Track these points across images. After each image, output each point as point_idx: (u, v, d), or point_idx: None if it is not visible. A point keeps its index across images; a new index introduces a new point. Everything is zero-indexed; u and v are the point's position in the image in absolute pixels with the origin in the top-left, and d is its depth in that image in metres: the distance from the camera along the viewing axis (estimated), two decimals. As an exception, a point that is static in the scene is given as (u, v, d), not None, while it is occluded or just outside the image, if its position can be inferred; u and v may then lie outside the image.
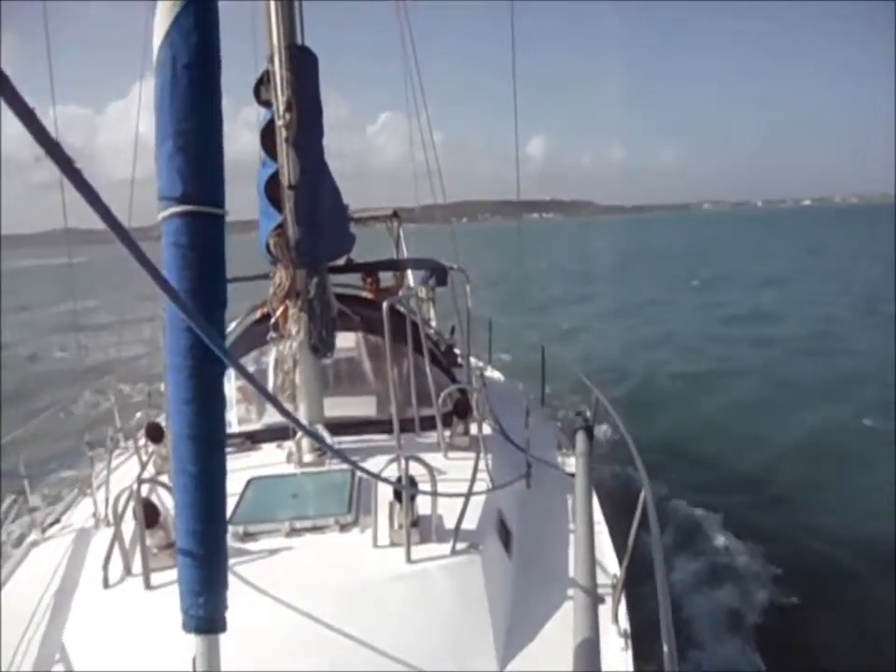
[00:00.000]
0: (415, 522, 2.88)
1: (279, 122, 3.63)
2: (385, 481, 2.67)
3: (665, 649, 1.91)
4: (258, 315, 4.92)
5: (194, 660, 1.59)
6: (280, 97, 3.61)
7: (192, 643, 1.61)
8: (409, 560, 2.75)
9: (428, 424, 4.12)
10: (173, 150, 1.56)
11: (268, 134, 3.73)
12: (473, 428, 4.03)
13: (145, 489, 2.91)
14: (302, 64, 3.70)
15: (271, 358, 4.55)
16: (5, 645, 2.71)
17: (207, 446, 1.58)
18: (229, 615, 1.65)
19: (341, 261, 5.88)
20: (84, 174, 1.10)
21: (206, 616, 1.58)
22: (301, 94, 3.67)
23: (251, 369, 4.76)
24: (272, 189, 3.76)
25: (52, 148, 1.02)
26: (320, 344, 3.78)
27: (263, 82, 3.70)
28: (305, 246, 3.76)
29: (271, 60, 3.63)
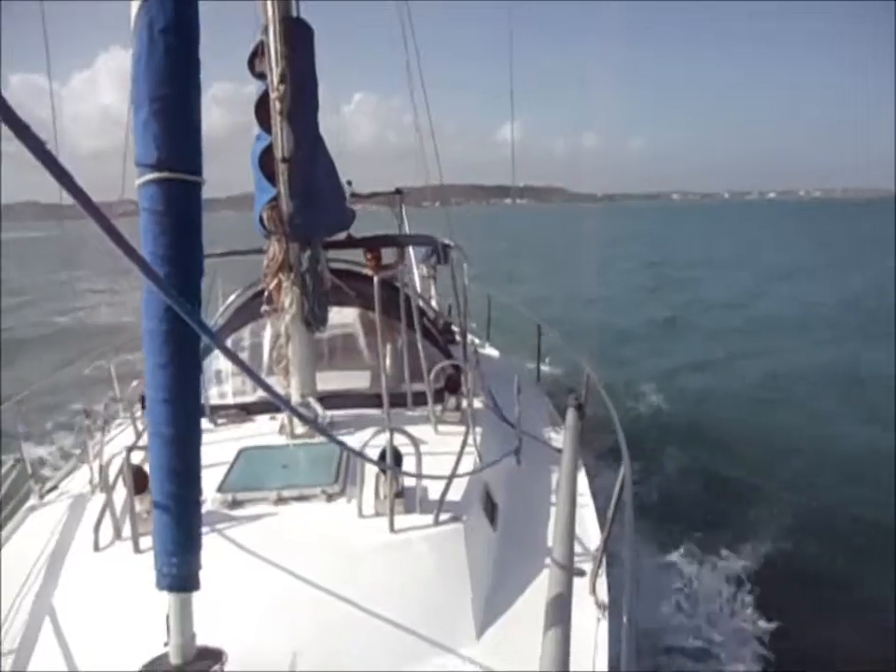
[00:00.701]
0: (400, 493, 2.93)
1: (273, 95, 3.62)
2: (367, 458, 2.71)
3: (625, 620, 1.94)
4: (255, 289, 4.95)
5: (167, 617, 1.65)
6: (274, 69, 3.60)
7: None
8: (392, 530, 2.80)
9: (421, 399, 4.15)
10: (149, 116, 1.57)
11: (262, 107, 3.72)
12: (465, 404, 4.06)
13: (137, 457, 2.97)
14: (298, 37, 3.67)
15: (266, 332, 4.60)
16: (3, 606, 2.79)
17: (182, 410, 1.61)
18: (213, 577, 1.70)
19: (340, 237, 5.89)
20: (50, 147, 1.10)
21: (179, 575, 1.63)
22: (296, 67, 3.65)
23: (248, 342, 4.81)
24: (266, 162, 3.76)
25: (21, 131, 1.02)
26: (311, 318, 3.80)
27: (258, 54, 3.68)
28: (299, 220, 3.77)
29: (265, 31, 3.61)
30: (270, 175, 3.76)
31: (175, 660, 1.63)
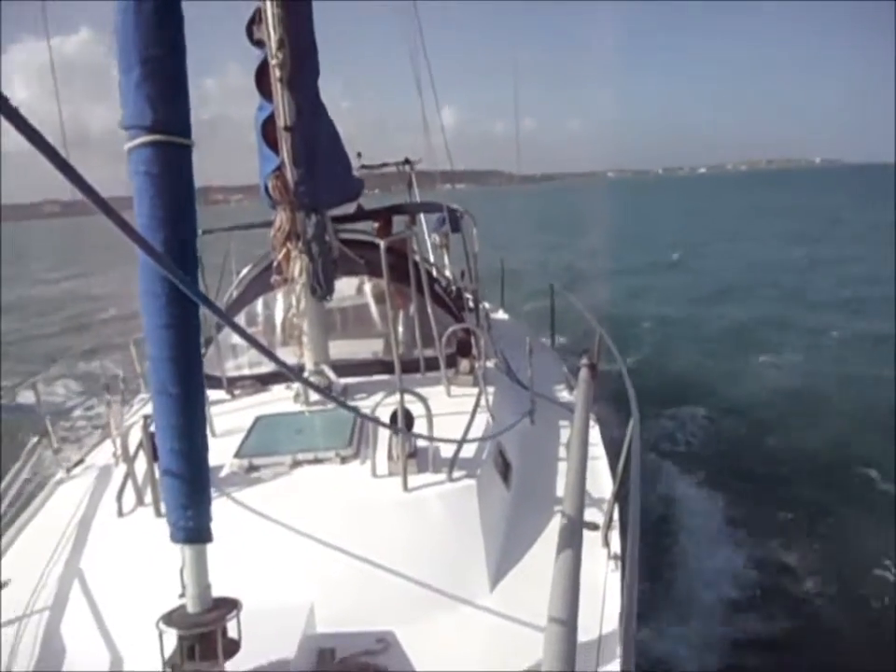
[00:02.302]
0: (413, 453, 2.96)
1: (272, 62, 3.59)
2: (377, 421, 2.74)
3: (627, 571, 1.96)
4: (268, 261, 4.98)
5: (181, 571, 1.70)
6: (272, 35, 3.57)
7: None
8: (406, 489, 2.84)
9: (434, 365, 4.17)
10: (139, 79, 1.57)
11: (262, 75, 3.69)
12: (477, 366, 4.07)
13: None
14: (295, 1, 3.63)
15: (277, 303, 4.64)
16: (34, 571, 2.90)
17: (186, 368, 1.64)
18: (231, 536, 1.74)
19: (351, 209, 5.88)
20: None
21: (193, 527, 1.68)
22: (294, 33, 3.62)
23: (262, 313, 4.86)
24: (268, 131, 3.75)
25: None
26: (318, 286, 3.82)
27: (255, 21, 3.65)
28: (304, 187, 3.77)
29: None
30: (273, 144, 3.75)
31: (192, 608, 1.69)
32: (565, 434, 3.94)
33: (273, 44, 3.56)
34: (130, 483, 2.98)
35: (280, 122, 3.69)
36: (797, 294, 17.75)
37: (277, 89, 3.63)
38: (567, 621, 1.65)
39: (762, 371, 11.24)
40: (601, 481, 3.33)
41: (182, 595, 1.72)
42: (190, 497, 1.67)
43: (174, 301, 1.60)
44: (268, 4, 3.57)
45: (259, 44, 3.68)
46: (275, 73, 3.61)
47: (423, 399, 2.95)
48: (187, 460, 1.65)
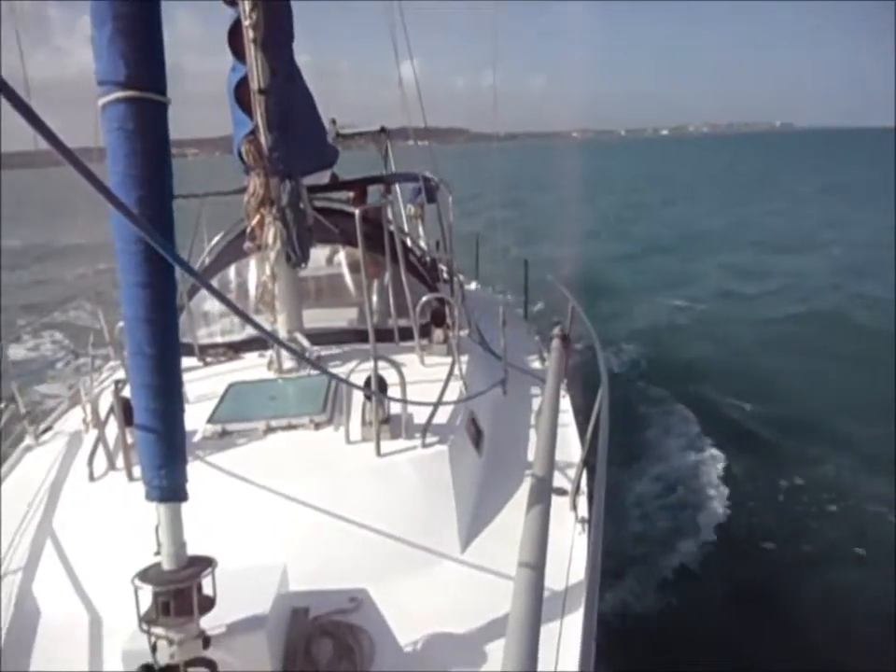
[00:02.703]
0: (386, 420, 3.00)
1: (246, 23, 3.51)
2: (351, 384, 2.76)
3: (591, 535, 2.02)
4: (241, 227, 4.92)
5: (156, 529, 1.72)
6: None
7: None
8: (379, 454, 2.88)
9: (408, 334, 4.20)
10: (113, 33, 1.54)
11: (235, 36, 3.61)
12: (451, 338, 4.11)
13: (127, 392, 3.02)
14: None
15: (251, 270, 4.60)
16: (4, 535, 2.89)
17: (160, 328, 1.64)
18: (205, 500, 1.76)
19: (325, 178, 5.81)
20: None
21: (168, 486, 1.70)
22: None
23: (234, 280, 4.81)
24: (241, 94, 3.68)
25: None
26: (293, 253, 3.80)
27: None
28: (279, 153, 3.72)
29: None
30: (246, 108, 3.69)
31: (167, 566, 1.71)
32: (536, 403, 4.01)
33: (247, 4, 3.48)
34: (101, 449, 2.97)
35: (254, 85, 3.63)
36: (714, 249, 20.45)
37: (251, 50, 3.56)
38: (535, 580, 1.71)
39: (669, 311, 13.53)
40: (570, 448, 3.41)
41: (157, 553, 1.74)
42: (166, 457, 1.68)
43: (149, 261, 1.59)
44: None
45: (232, 3, 3.59)
46: (249, 34, 3.53)
47: (396, 366, 2.98)
48: (162, 420, 1.66)
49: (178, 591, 1.66)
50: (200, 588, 1.71)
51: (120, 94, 1.55)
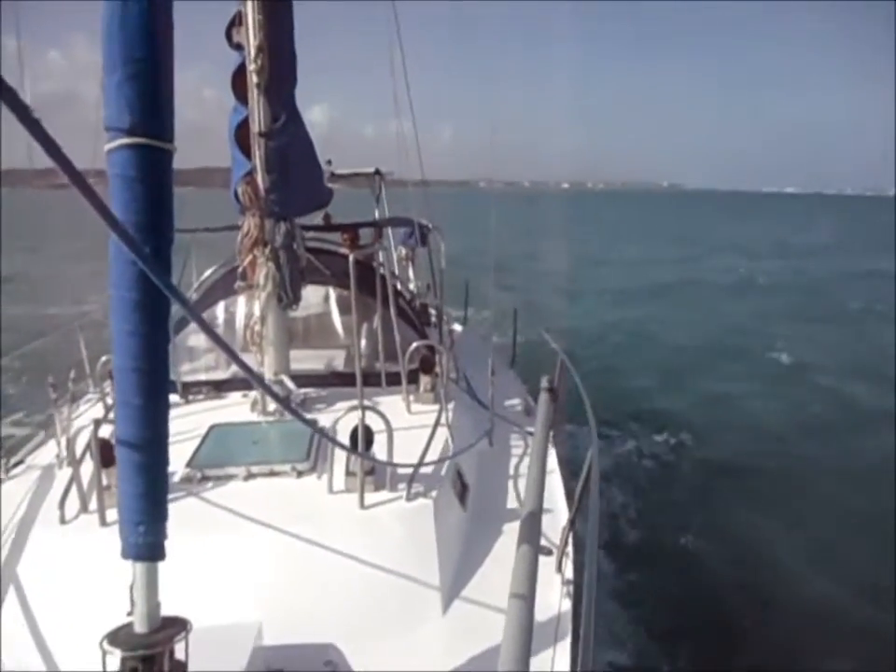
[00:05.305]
0: (371, 470, 2.94)
1: (250, 67, 3.56)
2: (335, 441, 2.70)
3: (584, 603, 1.98)
4: (232, 265, 4.90)
5: (130, 588, 1.63)
6: (252, 40, 3.54)
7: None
8: (362, 506, 2.81)
9: (395, 379, 4.16)
10: (122, 79, 1.53)
11: (239, 79, 3.65)
12: (440, 385, 4.07)
13: (105, 431, 2.94)
14: (275, 8, 3.61)
15: (239, 308, 4.56)
16: None
17: (151, 379, 1.59)
18: (179, 550, 1.69)
19: (318, 219, 5.83)
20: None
21: (146, 544, 1.62)
22: (274, 39, 3.59)
23: (220, 318, 4.76)
24: (242, 135, 3.71)
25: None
26: (285, 295, 3.77)
27: (235, 24, 3.61)
28: (275, 195, 3.73)
29: (243, 1, 3.54)
30: (246, 149, 3.71)
31: (139, 628, 1.62)
32: (522, 457, 3.97)
33: (253, 49, 3.53)
34: (74, 488, 2.87)
35: (254, 128, 3.65)
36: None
37: (254, 94, 3.60)
38: (521, 649, 1.66)
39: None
40: (557, 506, 3.36)
41: (130, 613, 1.65)
42: (146, 514, 1.61)
43: (144, 310, 1.55)
44: (249, 7, 3.54)
45: (237, 47, 3.64)
46: (253, 78, 3.57)
47: (383, 417, 2.93)
48: (146, 475, 1.60)
49: (148, 657, 1.58)
50: (172, 653, 1.63)
51: (125, 140, 1.54)
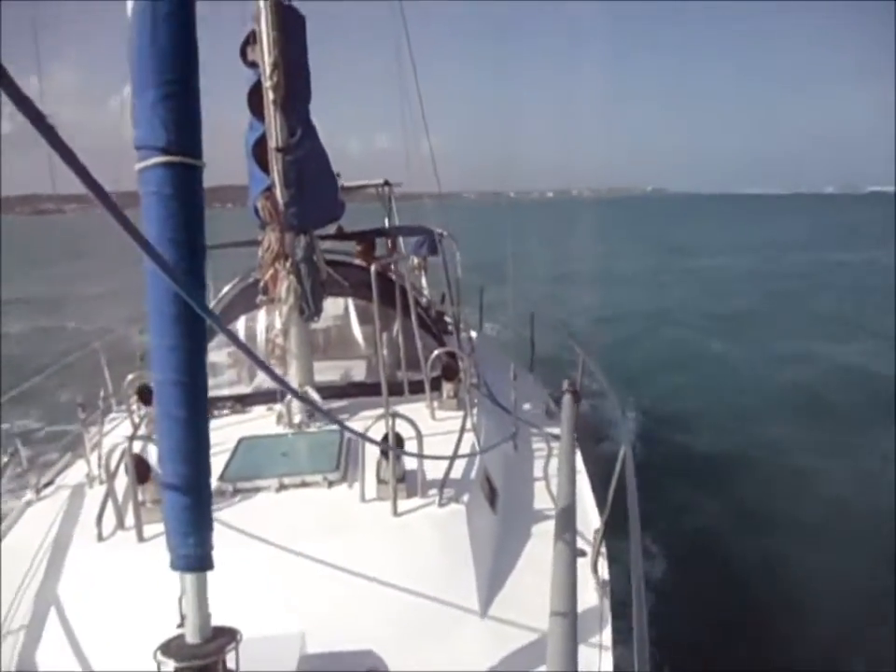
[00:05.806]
0: (402, 477, 2.95)
1: (266, 84, 3.61)
2: (370, 440, 2.72)
3: (634, 606, 1.97)
4: (251, 279, 4.94)
5: (180, 600, 1.65)
6: (266, 58, 3.59)
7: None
8: (395, 513, 2.82)
9: (418, 388, 4.17)
10: (154, 100, 1.56)
11: (255, 96, 3.71)
12: (462, 392, 4.09)
13: (137, 446, 2.97)
14: (290, 24, 3.66)
15: (260, 322, 4.60)
16: (3, 600, 2.78)
17: (191, 391, 1.61)
18: (219, 563, 1.70)
19: (332, 230, 5.86)
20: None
21: (194, 555, 1.64)
22: (288, 55, 3.64)
23: (241, 332, 4.81)
24: (259, 151, 3.75)
25: (23, 102, 0.98)
26: (307, 307, 3.81)
27: (249, 42, 3.66)
28: (294, 209, 3.77)
29: (257, 19, 3.60)
30: (263, 165, 3.75)
31: (191, 639, 1.64)
32: (546, 459, 3.96)
33: (268, 66, 3.58)
34: (109, 505, 2.90)
35: (272, 143, 3.70)
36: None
37: (270, 110, 3.64)
38: (568, 649, 1.65)
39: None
40: (585, 507, 3.35)
41: (181, 625, 1.67)
42: (193, 524, 1.63)
43: (182, 323, 1.58)
44: (263, 24, 3.60)
45: (252, 65, 3.70)
46: (269, 95, 3.62)
47: (412, 422, 2.94)
48: (192, 486, 1.62)
49: (203, 666, 1.59)
50: (224, 663, 1.64)
51: (158, 159, 1.57)
